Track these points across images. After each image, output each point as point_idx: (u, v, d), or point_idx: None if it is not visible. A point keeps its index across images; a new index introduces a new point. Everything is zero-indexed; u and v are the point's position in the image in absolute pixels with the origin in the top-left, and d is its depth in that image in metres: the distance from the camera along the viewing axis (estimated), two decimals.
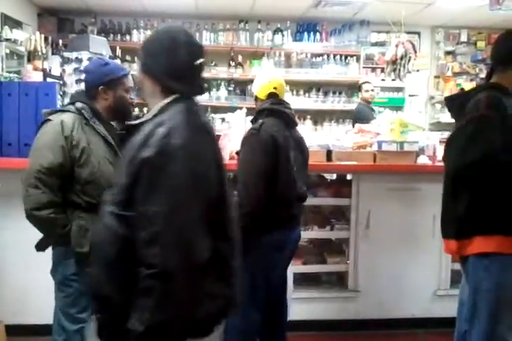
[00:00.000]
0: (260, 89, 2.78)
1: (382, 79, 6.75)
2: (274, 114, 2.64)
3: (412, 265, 3.53)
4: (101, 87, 2.28)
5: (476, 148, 2.01)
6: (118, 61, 6.34)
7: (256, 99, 2.83)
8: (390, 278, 3.50)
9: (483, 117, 2.05)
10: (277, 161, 2.48)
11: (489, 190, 2.05)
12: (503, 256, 2.06)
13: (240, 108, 4.21)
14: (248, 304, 2.48)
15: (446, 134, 2.12)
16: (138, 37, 6.62)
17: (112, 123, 2.34)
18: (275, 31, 6.78)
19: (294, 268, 3.53)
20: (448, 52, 7.27)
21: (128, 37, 6.63)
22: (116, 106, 2.30)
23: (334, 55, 6.75)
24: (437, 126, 6.71)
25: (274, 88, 2.74)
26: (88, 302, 2.10)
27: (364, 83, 6.00)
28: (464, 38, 7.21)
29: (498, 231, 2.06)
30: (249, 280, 2.49)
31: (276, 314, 2.71)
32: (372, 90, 5.96)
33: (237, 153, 2.71)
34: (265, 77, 2.81)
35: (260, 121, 2.59)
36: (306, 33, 6.84)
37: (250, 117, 4.02)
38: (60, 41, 5.66)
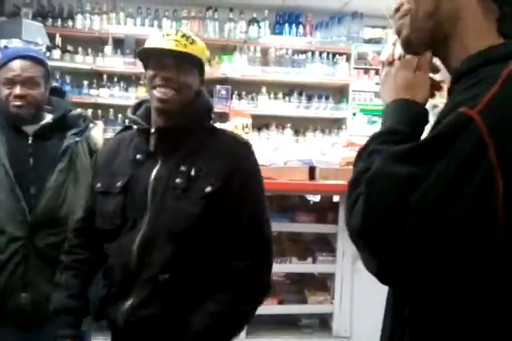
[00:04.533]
0: None
1: (377, 83, 6.86)
2: None
3: None
4: None
5: None
6: (57, 51, 6.34)
7: None
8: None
9: None
10: None
11: None
12: None
13: None
14: None
15: None
16: (83, 23, 6.60)
17: (24, 130, 2.26)
18: (250, 22, 6.86)
19: (267, 308, 3.54)
20: None
21: (70, 23, 6.59)
22: None
23: (320, 53, 6.85)
24: None
25: None
26: None
27: None
28: None
29: None
30: None
31: None
32: None
33: None
34: None
35: None
36: (286, 25, 6.94)
37: (218, 124, 4.07)
38: None
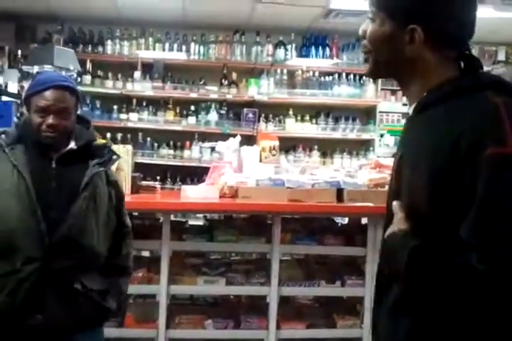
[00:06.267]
0: None
1: (404, 104, 6.85)
2: None
3: None
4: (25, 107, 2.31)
5: None
6: (88, 77, 6.46)
7: None
8: None
9: None
10: None
11: None
12: None
13: (234, 135, 4.26)
14: None
15: None
16: (112, 49, 6.74)
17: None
18: (277, 45, 6.92)
19: (295, 332, 3.50)
20: None
21: (101, 48, 6.73)
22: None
23: (347, 74, 6.86)
24: None
25: None
26: None
27: None
28: (501, 56, 7.36)
29: None
30: None
31: None
32: None
33: None
34: None
35: None
36: (313, 48, 6.97)
37: (246, 147, 4.09)
38: (19, 52, 5.76)
